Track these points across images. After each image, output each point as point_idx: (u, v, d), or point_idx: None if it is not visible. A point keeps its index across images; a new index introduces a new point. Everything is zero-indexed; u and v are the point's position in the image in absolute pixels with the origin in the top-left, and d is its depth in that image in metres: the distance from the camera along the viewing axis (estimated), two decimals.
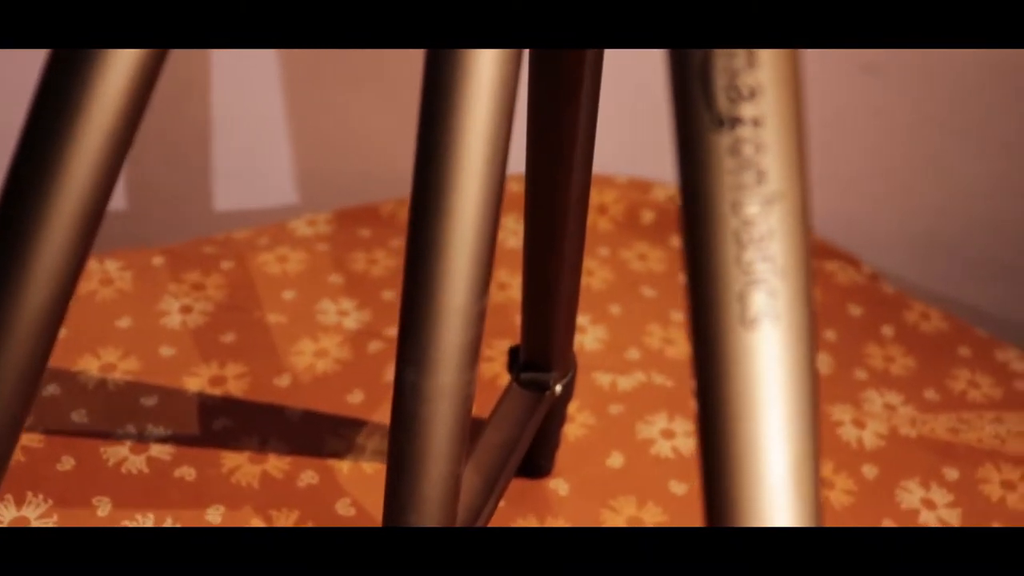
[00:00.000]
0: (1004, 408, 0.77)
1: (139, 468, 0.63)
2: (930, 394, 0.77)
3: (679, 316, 0.81)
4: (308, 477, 0.64)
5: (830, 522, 0.65)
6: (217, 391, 0.69)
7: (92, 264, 0.78)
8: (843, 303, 0.85)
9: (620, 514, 0.64)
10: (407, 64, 0.91)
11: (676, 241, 0.89)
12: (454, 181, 0.31)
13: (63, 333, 0.71)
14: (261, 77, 0.91)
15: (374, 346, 0.74)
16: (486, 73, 0.30)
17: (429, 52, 0.31)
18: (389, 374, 0.72)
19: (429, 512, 0.37)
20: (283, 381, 0.70)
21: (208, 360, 0.71)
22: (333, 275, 0.81)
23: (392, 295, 0.79)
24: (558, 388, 0.56)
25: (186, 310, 0.75)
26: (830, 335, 0.81)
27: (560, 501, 0.64)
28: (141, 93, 0.29)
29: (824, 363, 0.78)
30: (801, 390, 0.23)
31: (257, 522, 0.60)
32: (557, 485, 0.65)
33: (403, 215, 0.88)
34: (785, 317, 0.23)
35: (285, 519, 0.61)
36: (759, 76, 0.22)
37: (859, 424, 0.73)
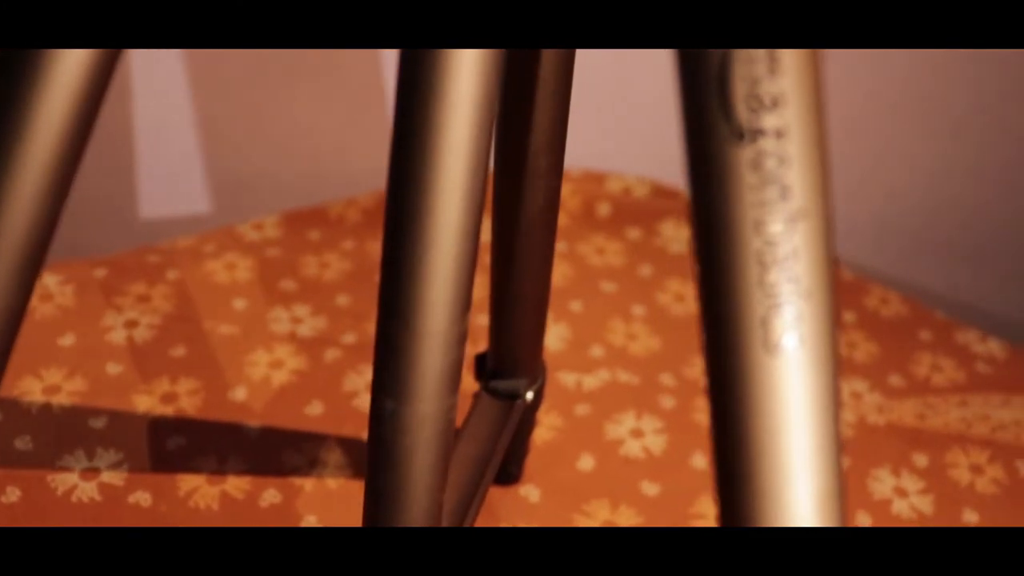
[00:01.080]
0: (968, 391, 0.77)
1: (90, 496, 0.60)
2: (895, 380, 0.77)
3: (640, 310, 0.80)
4: (270, 496, 0.61)
5: None
6: (169, 409, 0.66)
7: None
8: None
9: (593, 518, 0.63)
10: (348, 61, 0.88)
11: (633, 233, 0.88)
12: (432, 197, 0.29)
13: None
14: (195, 79, 0.88)
15: (331, 354, 0.72)
16: (467, 77, 0.27)
17: (404, 53, 0.28)
18: (348, 383, 0.70)
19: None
20: (238, 395, 0.68)
21: (158, 376, 0.68)
22: (284, 281, 0.78)
23: (347, 299, 0.77)
24: (529, 395, 0.54)
25: (132, 324, 0.72)
26: None
27: (532, 508, 0.63)
28: (94, 95, 0.27)
29: None
30: (826, 418, 0.22)
31: None
32: (528, 492, 0.64)
33: (353, 216, 0.85)
34: (810, 341, 0.22)
35: None
36: (782, 84, 0.20)
37: None
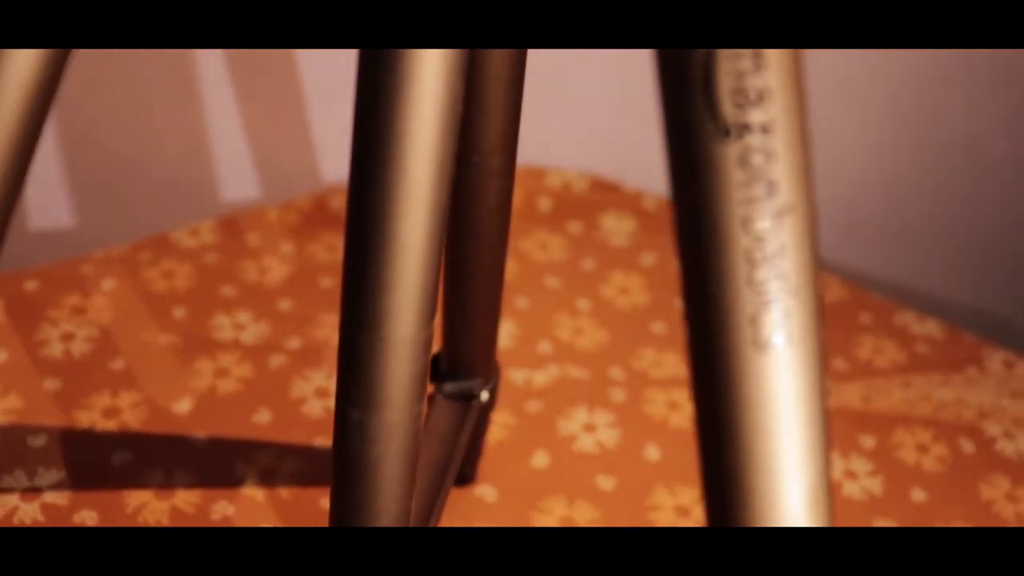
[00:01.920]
0: (910, 372, 0.78)
1: (33, 517, 0.58)
2: (839, 363, 0.78)
3: (586, 304, 0.80)
4: (222, 508, 0.60)
5: None
6: (112, 424, 0.64)
7: None
8: None
9: (551, 515, 0.63)
10: (264, 63, 0.87)
11: (574, 227, 0.88)
12: (397, 202, 0.29)
13: None
14: (113, 77, 0.86)
15: (276, 361, 0.70)
16: (431, 78, 0.27)
17: (364, 53, 0.27)
18: (296, 390, 0.68)
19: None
20: (183, 406, 0.66)
21: (98, 390, 0.66)
22: (224, 287, 0.76)
23: (289, 304, 0.76)
24: (485, 396, 0.54)
25: (68, 337, 0.70)
26: None
27: (489, 508, 0.62)
28: (44, 95, 0.26)
29: None
30: (815, 413, 0.22)
31: None
32: (483, 492, 0.63)
33: (290, 219, 0.84)
34: (798, 338, 0.21)
35: None
36: (767, 79, 0.20)
37: None
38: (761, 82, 0.20)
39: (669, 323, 0.78)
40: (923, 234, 0.96)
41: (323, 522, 0.60)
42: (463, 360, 0.53)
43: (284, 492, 0.61)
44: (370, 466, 0.33)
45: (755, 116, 0.20)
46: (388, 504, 0.33)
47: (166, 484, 0.60)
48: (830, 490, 0.23)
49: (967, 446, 0.72)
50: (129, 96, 0.87)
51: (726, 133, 0.20)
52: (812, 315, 0.21)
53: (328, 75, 0.87)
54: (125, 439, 0.63)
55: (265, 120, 0.89)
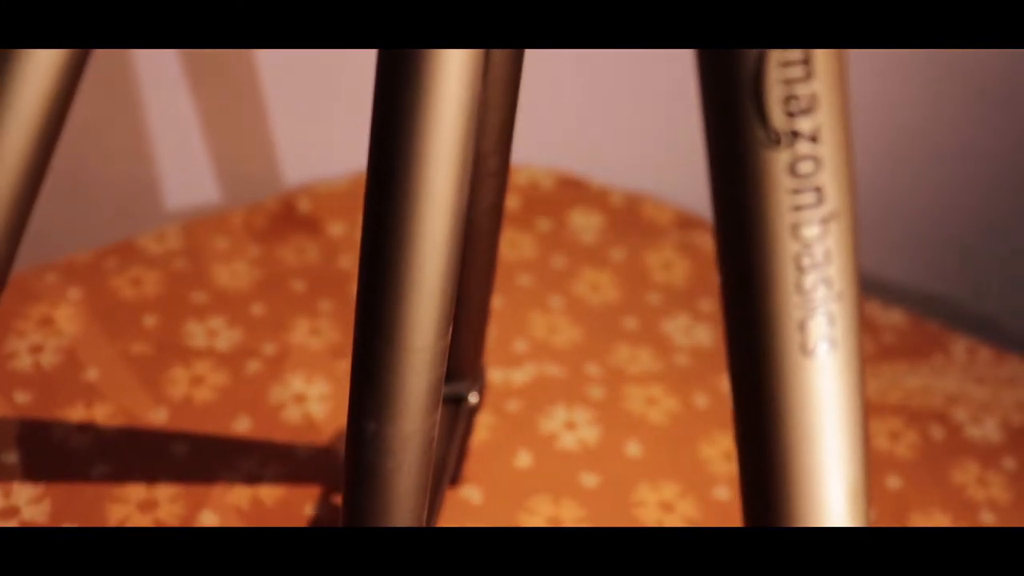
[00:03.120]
0: (878, 361, 0.80)
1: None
2: None
3: (558, 302, 0.80)
4: (207, 518, 0.59)
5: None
6: (88, 436, 0.63)
7: None
8: (713, 271, 0.85)
9: (537, 514, 0.63)
10: (232, 61, 0.86)
11: (543, 225, 0.88)
12: (418, 210, 0.28)
13: None
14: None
15: (252, 366, 0.70)
16: (453, 79, 0.26)
17: (383, 54, 0.27)
18: (274, 395, 0.68)
19: None
20: (160, 415, 0.65)
21: (72, 402, 0.65)
22: (195, 293, 0.75)
23: (261, 309, 0.75)
24: (475, 398, 0.54)
25: (37, 349, 0.68)
26: (707, 305, 0.81)
27: (475, 510, 0.62)
28: (65, 95, 0.26)
29: (705, 334, 0.78)
30: (857, 415, 0.22)
31: None
32: (469, 493, 0.63)
33: (258, 222, 0.83)
34: (842, 342, 0.22)
35: None
36: (815, 86, 0.20)
37: None
38: (810, 90, 0.20)
39: (641, 318, 0.79)
40: (881, 225, 0.98)
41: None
42: (454, 363, 0.53)
43: (268, 499, 0.60)
44: (385, 477, 0.32)
45: (804, 124, 0.20)
46: (402, 513, 0.33)
47: (148, 495, 0.59)
48: (869, 488, 0.23)
49: (937, 432, 0.73)
50: (82, 99, 0.85)
51: (777, 141, 0.20)
52: (854, 320, 0.22)
53: (288, 75, 0.86)
54: (103, 451, 0.62)
55: (225, 122, 0.87)
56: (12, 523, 0.57)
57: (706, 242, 0.88)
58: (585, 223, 0.88)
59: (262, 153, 0.89)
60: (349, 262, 0.80)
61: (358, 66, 0.86)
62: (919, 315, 0.84)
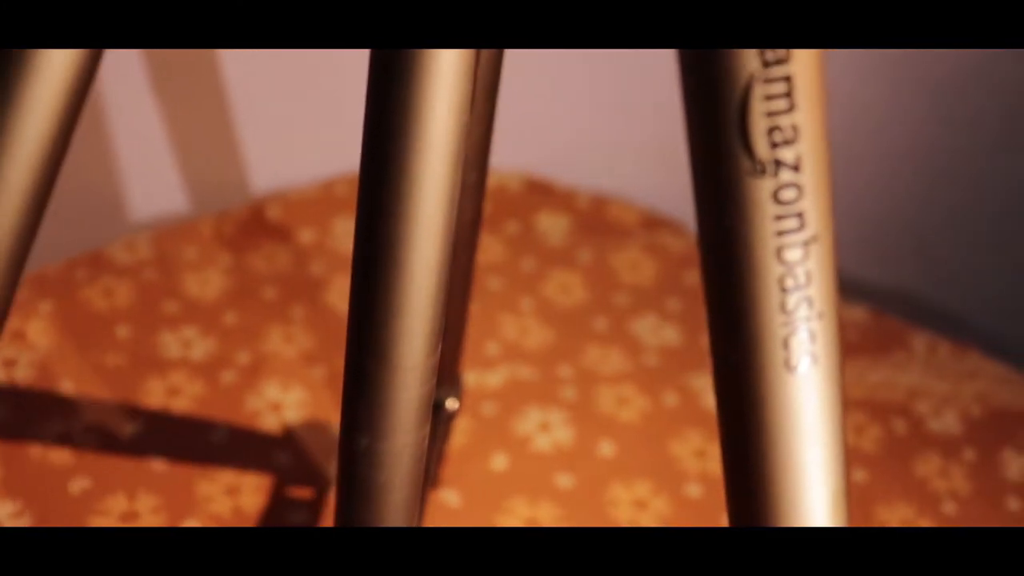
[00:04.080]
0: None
1: None
2: None
3: (529, 304, 0.81)
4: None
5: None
6: (66, 450, 0.63)
7: None
8: (679, 271, 0.87)
9: (514, 515, 0.64)
10: (196, 63, 0.86)
11: (511, 227, 0.89)
12: (410, 229, 0.29)
13: None
14: None
15: (228, 376, 0.70)
16: (446, 80, 0.27)
17: (376, 53, 0.27)
18: (250, 404, 0.68)
19: None
20: (137, 428, 0.65)
21: (48, 417, 0.65)
22: (166, 303, 0.75)
23: (234, 317, 0.75)
24: (454, 404, 0.55)
25: (10, 364, 0.68)
26: (674, 304, 0.83)
27: (454, 512, 0.63)
28: (80, 94, 0.27)
29: (673, 333, 0.79)
30: (837, 428, 0.23)
31: None
32: (447, 496, 0.64)
33: (227, 230, 0.83)
34: (823, 358, 0.23)
35: None
36: (797, 118, 0.21)
37: None
38: (792, 120, 0.21)
39: (610, 319, 0.80)
40: (841, 223, 1.00)
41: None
42: None
43: (250, 508, 0.61)
44: (378, 490, 0.33)
45: (787, 153, 0.21)
46: (396, 525, 0.34)
47: (130, 509, 0.60)
48: (850, 493, 0.24)
49: (900, 426, 0.75)
50: None
51: (762, 171, 0.21)
52: (834, 336, 0.23)
53: (254, 81, 0.86)
54: (82, 464, 0.62)
55: (192, 129, 0.87)
56: None
57: (672, 242, 0.89)
58: (552, 225, 0.89)
59: (230, 160, 0.90)
60: (320, 269, 0.81)
61: (325, 72, 0.86)
62: (880, 311, 0.86)
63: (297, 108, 0.87)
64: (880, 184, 0.95)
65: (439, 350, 0.32)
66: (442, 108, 0.27)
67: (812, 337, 0.23)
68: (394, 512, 0.34)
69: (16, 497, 0.60)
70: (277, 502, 0.62)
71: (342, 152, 0.90)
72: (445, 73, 0.27)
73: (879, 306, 0.88)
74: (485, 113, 0.40)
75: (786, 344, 0.22)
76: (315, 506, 0.63)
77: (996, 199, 0.93)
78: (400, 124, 0.28)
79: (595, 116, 0.94)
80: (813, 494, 0.23)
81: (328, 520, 0.62)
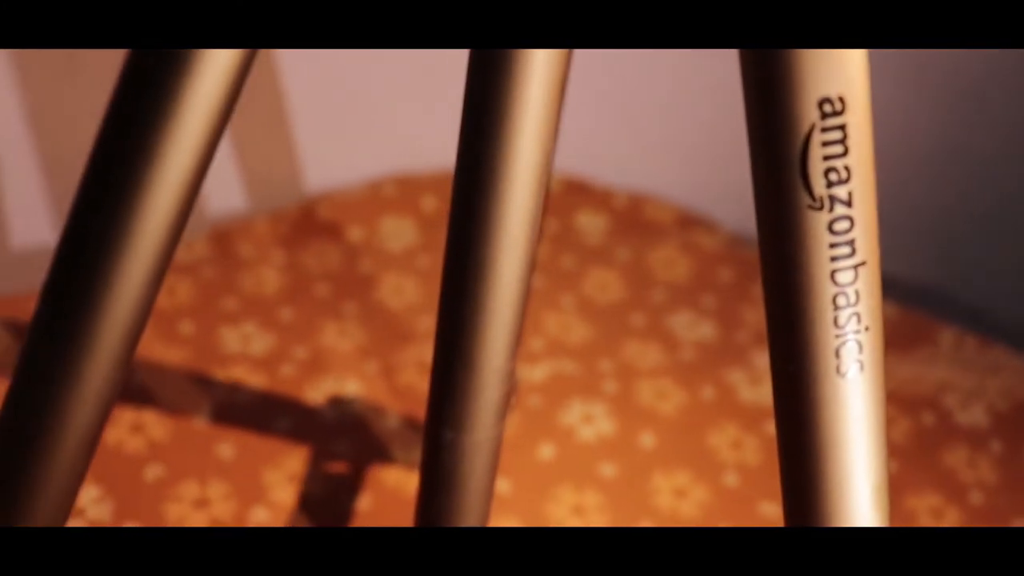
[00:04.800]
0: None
1: None
2: None
3: (569, 301, 0.84)
4: (259, 514, 0.63)
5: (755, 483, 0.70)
6: (140, 439, 0.67)
7: None
8: (714, 269, 0.90)
9: (562, 503, 0.67)
10: (255, 67, 0.89)
11: (552, 226, 0.92)
12: (499, 241, 0.32)
13: None
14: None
15: (287, 369, 0.74)
16: (539, 79, 0.29)
17: (475, 53, 0.30)
18: (310, 395, 0.72)
19: None
20: (202, 419, 0.69)
21: (119, 407, 0.69)
22: (225, 300, 0.79)
23: (290, 312, 0.79)
24: (511, 400, 0.58)
25: None
26: (709, 301, 0.86)
27: (506, 500, 0.67)
28: (233, 94, 0.29)
29: (709, 329, 0.83)
30: (880, 424, 0.27)
31: None
32: (499, 485, 0.68)
33: (281, 230, 0.87)
34: (868, 365, 0.26)
35: None
36: (850, 160, 0.25)
37: (754, 383, 0.79)
38: (846, 163, 0.25)
39: (647, 315, 0.83)
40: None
41: (353, 522, 0.64)
42: None
43: (314, 494, 0.65)
44: (459, 480, 0.37)
45: (841, 191, 0.25)
46: (473, 511, 0.38)
47: (201, 495, 0.64)
48: (889, 486, 0.28)
49: (928, 418, 0.78)
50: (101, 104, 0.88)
51: (820, 206, 0.25)
52: (879, 347, 0.26)
53: (310, 81, 0.89)
54: (154, 454, 0.66)
55: (248, 128, 0.91)
56: (79, 523, 0.62)
57: (706, 240, 0.93)
58: (591, 224, 0.93)
59: (283, 159, 0.93)
60: (369, 266, 0.84)
61: (376, 74, 0.90)
62: (909, 307, 0.89)
63: (347, 110, 0.91)
64: (909, 184, 0.97)
65: (516, 353, 0.36)
66: (536, 106, 0.30)
67: (860, 347, 0.26)
68: (473, 500, 0.37)
69: (99, 483, 0.64)
70: (344, 492, 0.65)
71: (389, 153, 0.93)
72: (539, 72, 0.29)
73: (908, 302, 0.90)
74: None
75: (838, 354, 0.26)
76: (354, 480, 0.66)
77: (1021, 197, 0.95)
78: (497, 121, 0.30)
79: (632, 118, 0.97)
80: (859, 483, 0.26)
81: (368, 494, 0.66)
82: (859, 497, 0.26)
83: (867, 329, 0.26)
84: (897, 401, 0.79)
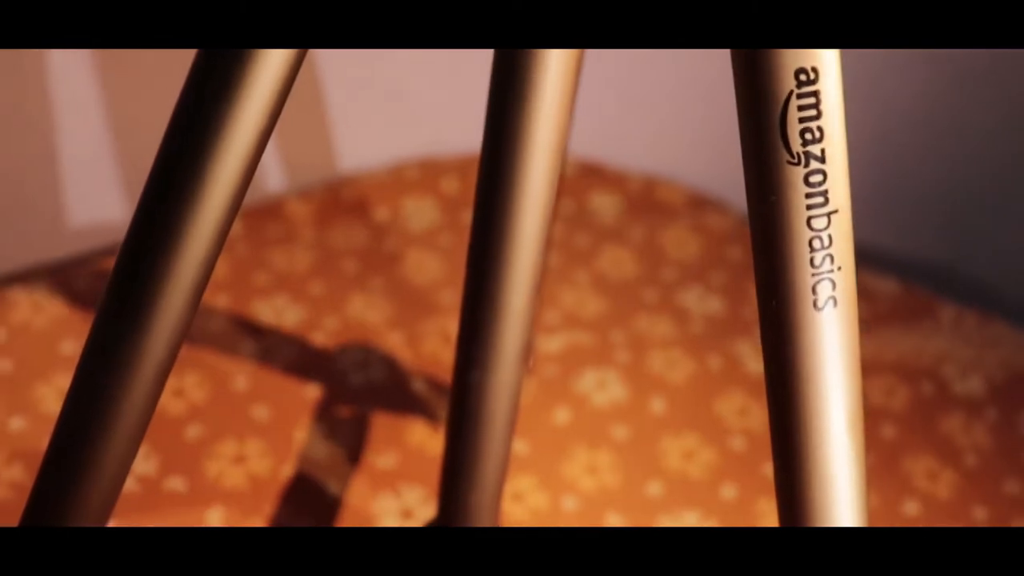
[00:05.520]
0: (874, 325, 0.88)
1: (128, 488, 0.65)
2: None
3: (584, 276, 0.89)
4: (290, 469, 0.68)
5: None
6: (181, 402, 0.72)
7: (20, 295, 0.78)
8: (723, 248, 0.94)
9: (576, 461, 0.72)
10: None
11: (568, 207, 0.96)
12: (520, 189, 0.36)
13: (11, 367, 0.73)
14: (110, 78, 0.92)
15: (318, 337, 0.78)
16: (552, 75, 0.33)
17: (498, 53, 0.34)
18: (340, 361, 0.76)
19: (483, 510, 0.43)
20: (240, 384, 0.74)
21: None
22: (257, 275, 0.84)
23: (320, 287, 0.83)
24: (531, 361, 0.62)
25: None
26: (718, 277, 0.90)
27: (524, 459, 0.71)
28: (284, 92, 0.32)
29: (718, 304, 0.87)
30: (854, 353, 0.31)
31: (257, 520, 0.65)
32: (518, 446, 0.72)
33: (309, 209, 0.91)
34: (841, 302, 0.30)
35: (281, 515, 0.65)
36: (822, 122, 0.29)
37: (760, 354, 0.82)
38: (819, 124, 0.29)
39: (659, 291, 0.87)
40: (875, 200, 1.05)
41: (375, 479, 0.68)
42: None
43: (343, 451, 0.69)
44: (484, 419, 0.41)
45: (815, 148, 0.29)
46: (497, 449, 0.42)
47: (239, 451, 0.68)
48: (863, 416, 0.32)
49: (927, 388, 0.82)
50: (143, 94, 0.93)
51: (797, 162, 0.29)
52: (851, 285, 0.30)
53: (345, 73, 0.93)
54: (195, 414, 0.71)
55: (286, 116, 0.95)
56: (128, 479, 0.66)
57: (716, 221, 0.97)
58: (605, 205, 0.97)
59: (319, 144, 0.97)
60: (394, 244, 0.89)
61: (405, 68, 0.94)
62: (910, 282, 0.93)
63: (377, 99, 0.95)
64: (913, 163, 1.01)
65: (536, 297, 0.40)
66: (552, 98, 0.34)
67: (833, 285, 0.30)
68: (496, 438, 0.41)
69: (144, 442, 0.68)
70: (371, 450, 0.70)
71: (414, 139, 0.97)
72: (554, 68, 0.34)
73: (909, 278, 0.94)
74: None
75: (814, 290, 0.30)
76: (380, 439, 0.70)
77: (1021, 176, 0.98)
78: (518, 111, 0.35)
79: (645, 105, 1.01)
80: (835, 408, 0.30)
81: (393, 452, 0.70)
82: (836, 421, 0.30)
83: (839, 269, 0.30)
84: (897, 371, 0.83)
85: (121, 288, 0.34)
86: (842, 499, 0.32)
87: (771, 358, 0.31)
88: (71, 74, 0.83)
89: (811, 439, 0.31)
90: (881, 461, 0.76)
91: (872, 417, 0.79)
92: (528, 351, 0.40)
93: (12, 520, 0.63)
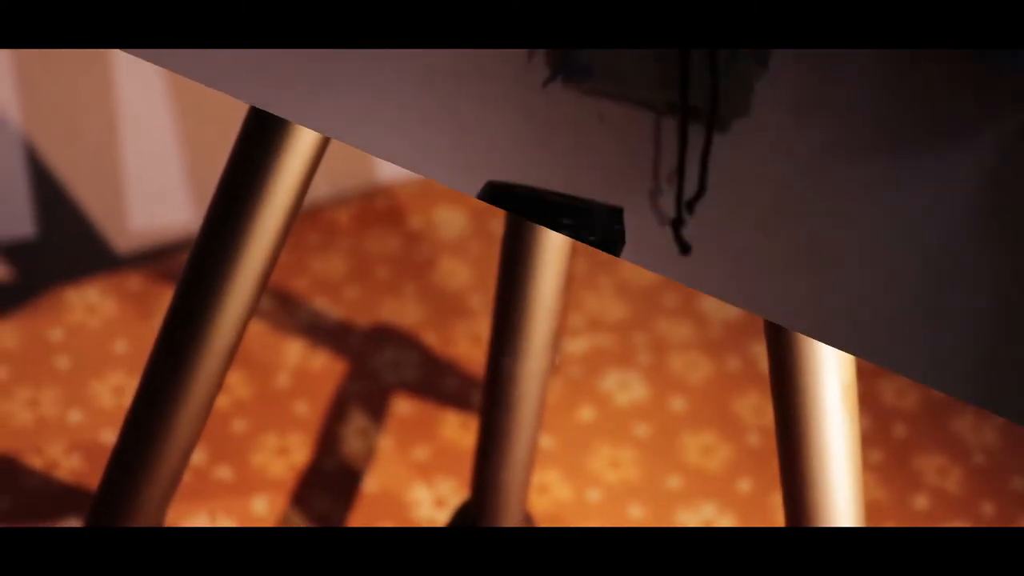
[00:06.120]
0: None
1: None
2: None
3: (607, 282, 0.92)
4: (328, 462, 0.72)
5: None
6: (227, 397, 0.76)
7: (71, 297, 0.83)
8: None
9: (600, 455, 0.75)
10: None
11: None
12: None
13: (67, 363, 0.77)
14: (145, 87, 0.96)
15: (354, 338, 0.83)
16: None
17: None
18: (375, 361, 0.81)
19: (512, 489, 0.47)
20: (282, 380, 0.78)
21: None
22: (297, 279, 0.88)
23: (355, 292, 0.88)
24: (556, 361, 0.66)
25: None
26: None
27: (551, 454, 0.75)
28: (313, 168, 0.37)
29: (736, 309, 0.90)
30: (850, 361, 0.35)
31: (298, 507, 0.69)
32: (544, 441, 0.76)
33: (345, 218, 0.96)
34: None
35: (321, 503, 0.69)
36: None
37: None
38: None
39: (679, 296, 0.91)
40: None
41: (410, 470, 0.72)
42: None
43: (379, 446, 0.73)
44: (514, 402, 0.45)
45: None
46: (526, 429, 0.46)
47: (281, 444, 0.72)
48: (854, 385, 0.35)
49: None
50: (183, 103, 0.97)
51: None
52: None
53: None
54: (240, 409, 0.75)
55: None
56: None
57: None
58: None
59: (349, 151, 1.02)
60: (426, 252, 0.93)
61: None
62: None
63: None
64: None
65: (567, 290, 0.44)
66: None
67: None
68: (526, 422, 0.45)
69: None
70: (404, 445, 0.74)
71: None
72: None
73: None
74: None
75: None
76: (395, 421, 0.74)
77: None
78: None
79: None
80: (830, 381, 0.34)
81: (426, 445, 0.74)
82: (829, 393, 0.34)
83: None
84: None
85: (186, 298, 0.38)
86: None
87: (774, 358, 0.35)
88: (135, 81, 0.88)
89: (809, 400, 0.35)
90: (893, 458, 0.79)
91: (884, 417, 0.82)
92: (555, 341, 0.44)
93: (74, 504, 0.67)
